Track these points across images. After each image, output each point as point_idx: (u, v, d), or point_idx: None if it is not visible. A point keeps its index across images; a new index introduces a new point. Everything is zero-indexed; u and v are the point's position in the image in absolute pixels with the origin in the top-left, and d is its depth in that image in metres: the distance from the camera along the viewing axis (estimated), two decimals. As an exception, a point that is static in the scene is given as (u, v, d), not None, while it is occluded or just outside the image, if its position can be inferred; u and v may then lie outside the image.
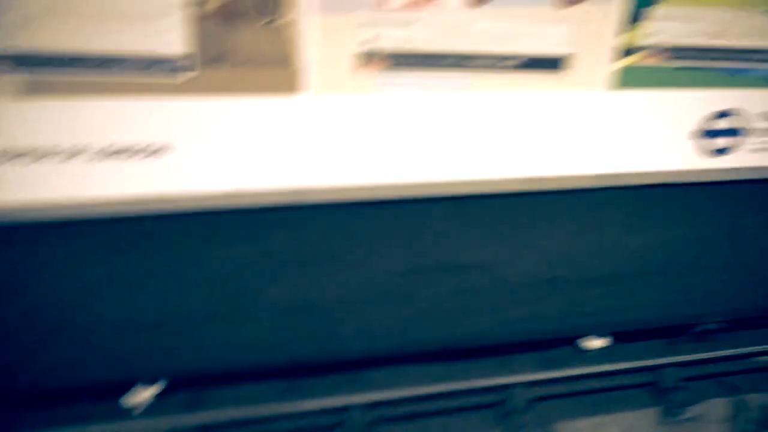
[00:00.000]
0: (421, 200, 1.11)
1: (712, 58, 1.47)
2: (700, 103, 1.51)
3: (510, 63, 1.14)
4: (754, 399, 1.25)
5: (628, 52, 1.29)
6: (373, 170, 1.06)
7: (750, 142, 1.60)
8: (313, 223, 0.99)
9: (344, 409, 1.06)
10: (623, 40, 1.27)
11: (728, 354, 1.32)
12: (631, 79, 1.32)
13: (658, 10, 1.30)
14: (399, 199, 1.08)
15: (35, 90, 0.78)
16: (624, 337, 1.32)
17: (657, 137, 1.44)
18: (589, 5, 1.15)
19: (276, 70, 0.97)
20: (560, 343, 1.27)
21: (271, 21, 0.92)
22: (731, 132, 1.58)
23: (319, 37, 0.98)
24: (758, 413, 1.23)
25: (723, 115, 1.58)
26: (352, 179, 1.01)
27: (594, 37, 1.19)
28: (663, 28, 1.34)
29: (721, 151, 1.61)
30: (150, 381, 1.08)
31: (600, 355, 1.22)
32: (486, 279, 1.20)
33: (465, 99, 1.16)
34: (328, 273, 1.05)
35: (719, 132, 1.57)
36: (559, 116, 1.24)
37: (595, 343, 1.23)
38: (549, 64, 1.18)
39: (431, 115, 1.14)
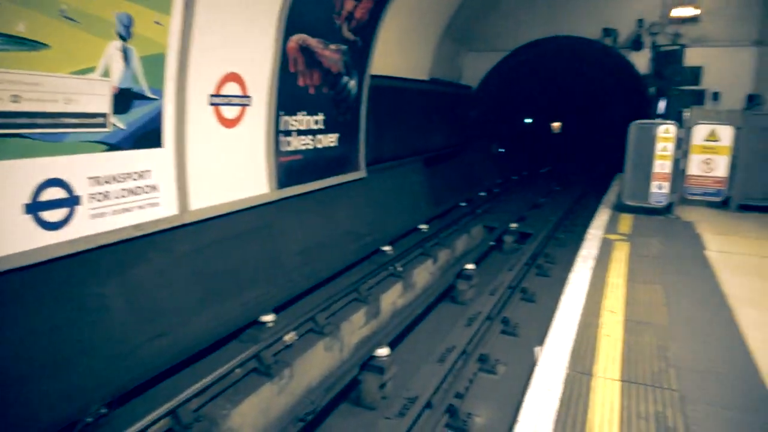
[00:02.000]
0: None
1: (21, 125, 1.28)
2: (26, 173, 1.32)
3: None
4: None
5: None
6: None
7: (87, 208, 1.50)
8: None
9: None
10: None
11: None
12: None
13: None
14: None
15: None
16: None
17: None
18: None
19: None
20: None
21: None
22: (66, 201, 1.42)
23: None
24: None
25: (52, 184, 1.39)
26: None
27: None
28: None
29: (60, 223, 1.42)
30: None
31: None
32: None
33: None
34: None
35: (53, 203, 1.39)
36: None
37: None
38: None
39: None
